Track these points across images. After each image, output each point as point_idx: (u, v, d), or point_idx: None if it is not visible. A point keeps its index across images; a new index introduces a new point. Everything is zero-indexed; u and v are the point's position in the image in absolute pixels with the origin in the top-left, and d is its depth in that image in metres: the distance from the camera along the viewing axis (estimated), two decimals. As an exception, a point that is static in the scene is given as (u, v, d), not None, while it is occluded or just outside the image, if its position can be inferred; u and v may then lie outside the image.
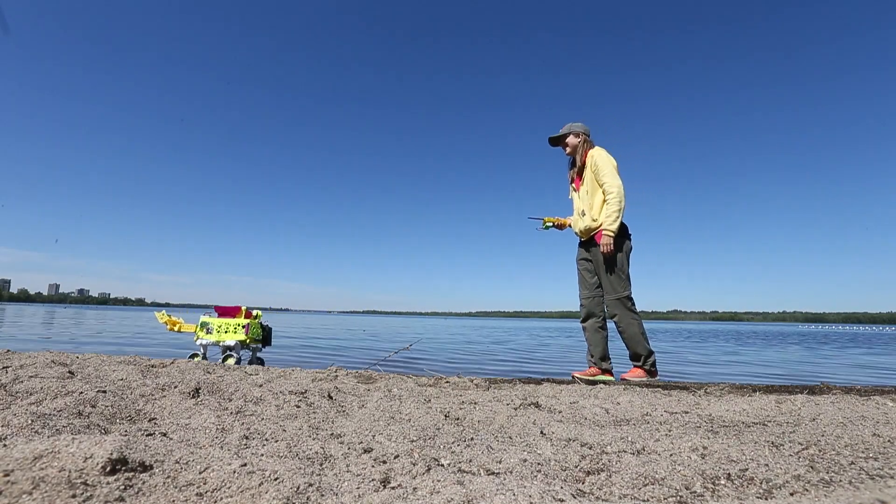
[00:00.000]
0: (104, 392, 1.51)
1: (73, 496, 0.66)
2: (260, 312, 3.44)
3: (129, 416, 1.34)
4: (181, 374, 2.05)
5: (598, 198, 3.08)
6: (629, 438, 1.21)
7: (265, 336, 3.44)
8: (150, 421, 1.31)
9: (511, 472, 0.93)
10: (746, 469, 0.97)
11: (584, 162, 3.15)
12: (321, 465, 0.94)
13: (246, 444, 1.08)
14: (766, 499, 0.85)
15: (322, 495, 0.74)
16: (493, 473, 0.92)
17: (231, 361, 3.04)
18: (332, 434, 1.22)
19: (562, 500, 0.73)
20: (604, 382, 2.91)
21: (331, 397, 1.72)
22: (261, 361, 3.37)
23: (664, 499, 0.84)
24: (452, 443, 1.16)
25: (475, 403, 1.73)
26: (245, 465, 0.81)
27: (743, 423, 1.49)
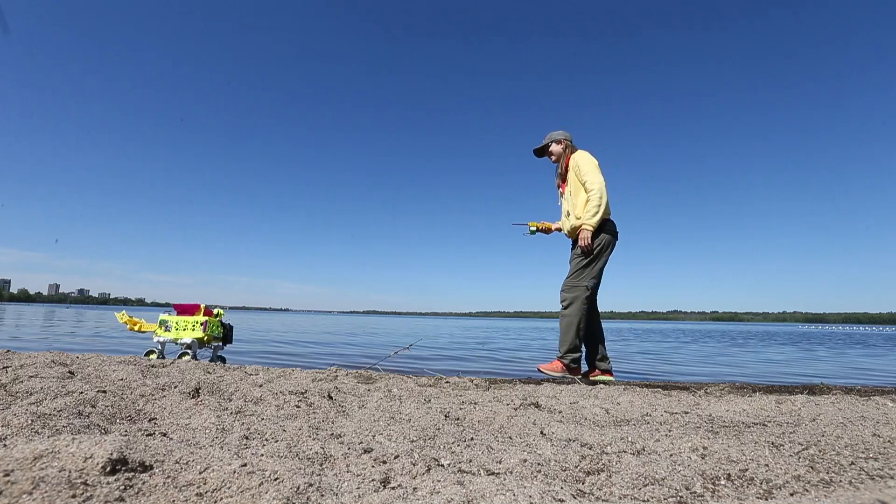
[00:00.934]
0: (104, 392, 1.50)
1: (73, 496, 0.66)
2: (222, 311, 3.44)
3: (129, 416, 1.34)
4: (181, 374, 2.05)
5: (582, 197, 3.11)
6: (629, 439, 1.21)
7: (226, 334, 3.45)
8: (150, 421, 1.31)
9: (511, 473, 0.93)
10: (746, 469, 0.97)
11: (568, 166, 3.21)
12: (321, 465, 0.94)
13: (246, 445, 1.08)
14: (767, 499, 0.85)
15: (322, 495, 0.74)
16: (493, 474, 0.92)
17: (186, 359, 3.05)
18: (332, 434, 1.22)
19: (562, 501, 0.73)
20: (604, 382, 2.91)
21: (331, 397, 1.72)
22: (222, 359, 3.38)
23: (664, 499, 0.84)
24: (452, 443, 1.16)
25: (475, 403, 1.73)
26: (245, 465, 0.81)
27: (743, 423, 1.49)
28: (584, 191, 3.08)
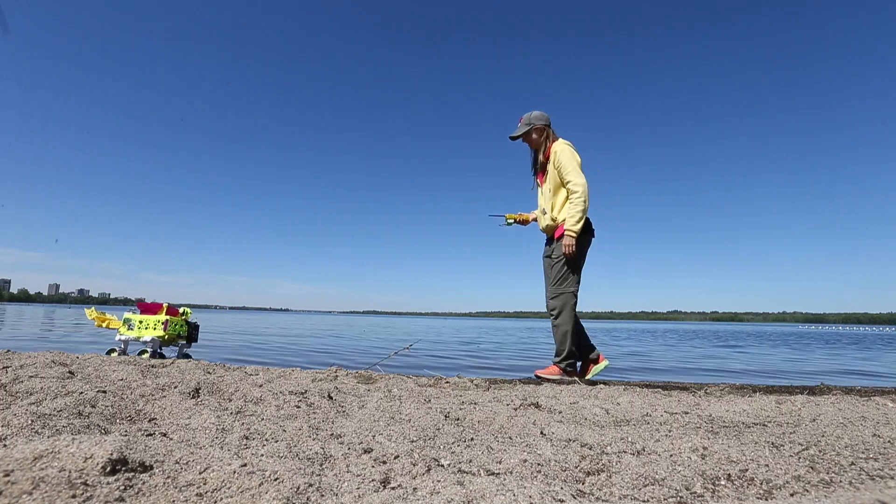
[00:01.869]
0: (104, 392, 1.50)
1: (73, 496, 0.66)
2: (189, 310, 3.47)
3: (129, 416, 1.34)
4: (181, 374, 2.05)
5: (561, 196, 2.97)
6: (629, 439, 1.21)
7: (190, 333, 3.48)
8: (150, 421, 1.31)
9: (511, 473, 0.93)
10: (746, 469, 0.97)
11: (548, 157, 3.00)
12: (321, 465, 0.94)
13: (246, 445, 1.08)
14: (767, 499, 0.85)
15: (322, 495, 0.74)
16: (493, 474, 0.92)
17: (145, 356, 3.08)
18: (332, 434, 1.22)
19: (562, 501, 0.73)
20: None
21: (331, 397, 1.72)
22: (187, 357, 3.40)
23: (664, 499, 0.84)
24: (452, 443, 1.16)
25: (475, 404, 1.73)
26: (245, 465, 0.81)
27: (743, 423, 1.49)
28: (566, 190, 2.92)
